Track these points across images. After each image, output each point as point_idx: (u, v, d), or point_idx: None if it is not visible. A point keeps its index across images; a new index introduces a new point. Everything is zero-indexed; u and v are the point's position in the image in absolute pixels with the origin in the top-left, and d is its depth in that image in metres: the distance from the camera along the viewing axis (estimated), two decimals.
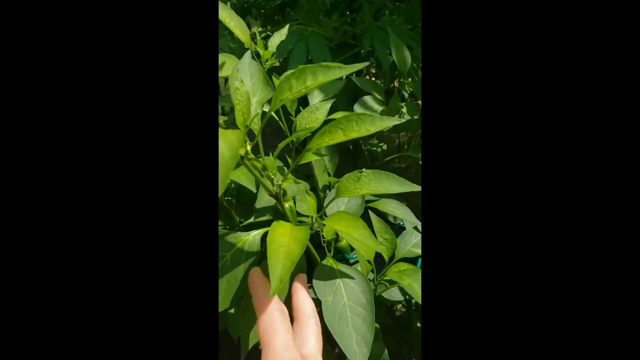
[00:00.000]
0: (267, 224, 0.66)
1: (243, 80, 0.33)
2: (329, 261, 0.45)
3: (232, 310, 0.71)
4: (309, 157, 0.49)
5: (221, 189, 0.20)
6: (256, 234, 0.38)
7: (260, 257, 0.38)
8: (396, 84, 0.98)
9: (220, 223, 0.65)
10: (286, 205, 0.40)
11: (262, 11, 1.11)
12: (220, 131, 0.23)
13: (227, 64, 0.41)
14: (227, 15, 0.42)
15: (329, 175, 0.55)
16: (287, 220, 0.41)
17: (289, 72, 0.30)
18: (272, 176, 0.37)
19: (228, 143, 0.22)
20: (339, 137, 0.33)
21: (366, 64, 0.32)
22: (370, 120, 0.32)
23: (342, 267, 0.42)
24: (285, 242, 0.32)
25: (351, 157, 0.71)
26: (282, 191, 0.37)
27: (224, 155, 0.21)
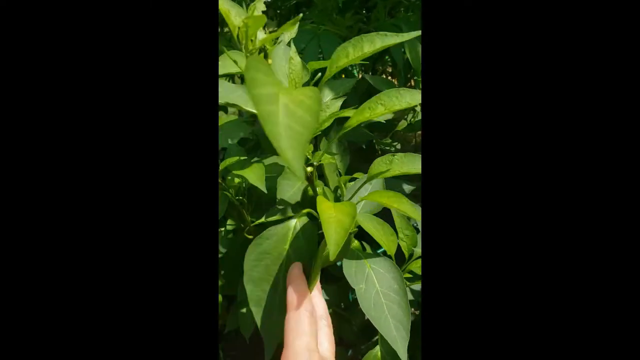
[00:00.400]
0: (280, 222, 0.66)
1: (278, 65, 0.33)
2: (355, 250, 0.45)
3: (244, 310, 0.71)
4: (318, 156, 0.49)
5: (310, 136, 0.18)
6: (296, 221, 0.36)
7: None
8: (413, 82, 0.96)
9: (231, 222, 0.65)
10: (319, 189, 0.40)
11: (278, 11, 1.11)
12: (294, 90, 0.21)
13: (240, 62, 0.41)
14: (236, 14, 0.42)
15: (340, 175, 0.54)
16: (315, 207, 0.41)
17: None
18: (309, 155, 0.36)
19: (311, 97, 0.20)
20: (379, 111, 0.32)
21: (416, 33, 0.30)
22: (410, 94, 0.31)
23: (369, 256, 0.42)
24: (332, 214, 0.31)
25: (364, 156, 0.70)
26: (316, 173, 0.36)
27: (313, 109, 0.19)
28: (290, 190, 0.45)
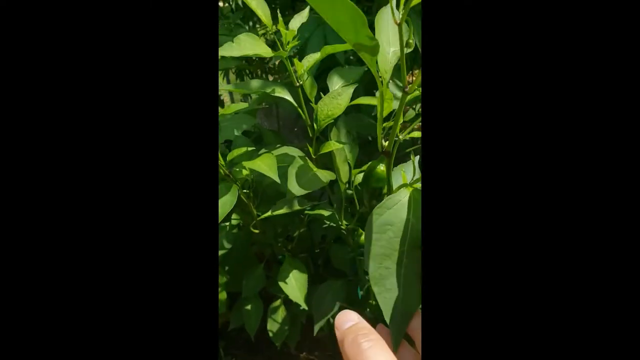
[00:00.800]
0: (286, 216, 0.64)
1: (382, 32, 0.30)
2: None
3: (249, 307, 0.69)
4: (331, 146, 0.47)
5: None
6: (413, 189, 0.32)
7: None
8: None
9: (236, 217, 0.63)
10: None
11: (273, 5, 1.10)
12: None
13: (250, 44, 0.39)
14: None
15: (350, 166, 0.53)
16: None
17: None
18: (397, 128, 0.31)
19: None
20: None
21: None
22: None
23: None
24: None
25: (368, 149, 0.69)
26: (396, 147, 0.33)
27: None
28: (302, 178, 0.43)
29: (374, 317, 0.67)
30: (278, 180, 0.42)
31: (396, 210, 0.27)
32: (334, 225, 0.65)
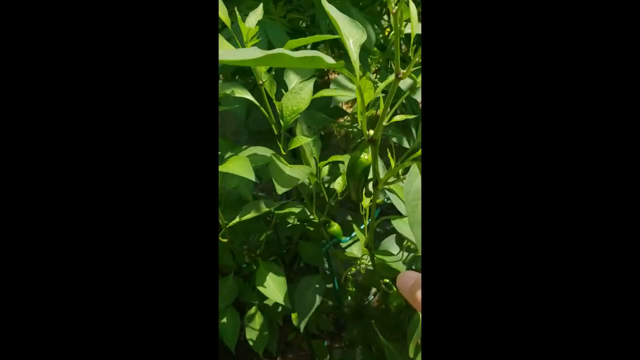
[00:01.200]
0: (251, 221, 0.63)
1: (341, 26, 0.31)
2: None
3: (225, 320, 0.66)
4: (300, 141, 0.48)
5: None
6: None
7: None
8: None
9: None
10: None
11: None
12: None
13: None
14: None
15: (315, 160, 0.53)
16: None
17: None
18: (384, 117, 0.32)
19: None
20: None
21: None
22: None
23: None
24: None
25: (323, 143, 0.70)
26: (380, 134, 0.34)
27: None
28: (281, 176, 0.43)
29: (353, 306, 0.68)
30: (255, 180, 0.41)
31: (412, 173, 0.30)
32: (299, 223, 0.65)
